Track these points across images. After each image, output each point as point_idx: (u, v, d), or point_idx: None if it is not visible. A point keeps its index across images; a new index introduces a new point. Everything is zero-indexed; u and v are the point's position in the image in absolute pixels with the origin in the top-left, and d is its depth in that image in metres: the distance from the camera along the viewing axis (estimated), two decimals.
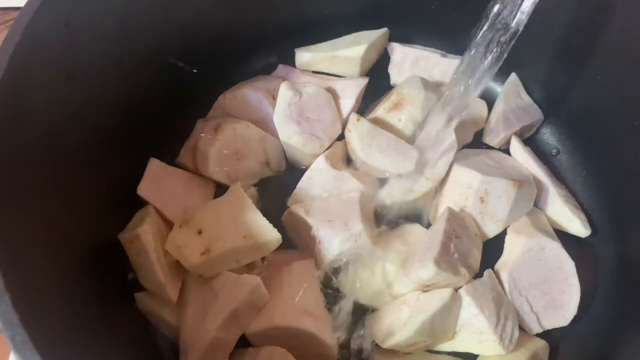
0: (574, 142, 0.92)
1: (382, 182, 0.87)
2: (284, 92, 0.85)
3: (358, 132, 0.85)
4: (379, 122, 0.88)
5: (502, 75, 0.95)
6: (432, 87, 0.91)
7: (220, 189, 0.84)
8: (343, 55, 0.92)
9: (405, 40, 0.97)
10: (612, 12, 0.75)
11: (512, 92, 0.93)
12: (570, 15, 0.81)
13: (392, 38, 0.97)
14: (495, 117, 0.91)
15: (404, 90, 0.88)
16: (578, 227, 0.84)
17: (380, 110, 0.88)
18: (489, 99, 0.94)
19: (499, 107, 0.92)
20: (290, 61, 0.97)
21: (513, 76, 0.95)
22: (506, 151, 0.91)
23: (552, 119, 0.93)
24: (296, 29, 0.94)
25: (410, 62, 0.95)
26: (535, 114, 0.92)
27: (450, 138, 0.84)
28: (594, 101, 0.86)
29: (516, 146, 0.89)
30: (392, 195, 0.83)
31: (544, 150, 0.94)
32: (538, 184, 0.86)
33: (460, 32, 0.91)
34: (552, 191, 0.85)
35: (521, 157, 0.88)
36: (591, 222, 0.86)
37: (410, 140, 0.86)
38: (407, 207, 0.86)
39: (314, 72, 0.96)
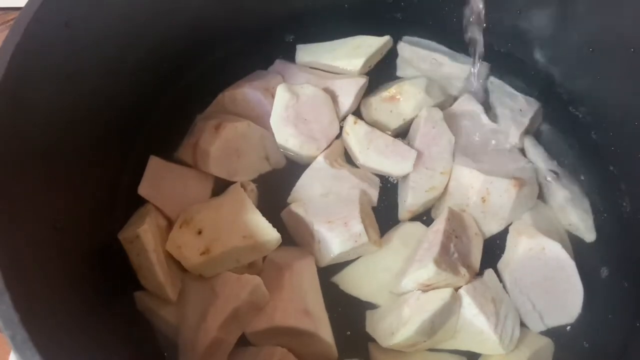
0: (579, 141, 0.92)
1: (382, 180, 0.87)
2: (281, 94, 0.84)
3: (355, 135, 0.85)
4: (371, 106, 0.90)
5: (483, 84, 0.95)
6: (435, 91, 0.91)
7: (219, 183, 0.84)
8: (341, 67, 0.92)
9: (409, 33, 0.97)
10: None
11: (501, 94, 0.94)
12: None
13: (396, 31, 0.97)
14: (502, 121, 0.90)
15: (404, 87, 0.89)
16: (582, 232, 0.84)
17: (377, 97, 0.90)
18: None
19: (498, 111, 0.92)
20: (289, 53, 0.96)
21: (493, 80, 0.95)
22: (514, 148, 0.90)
23: (557, 119, 0.94)
24: (296, 22, 0.94)
25: (418, 62, 0.95)
26: (533, 103, 0.93)
27: (446, 132, 0.85)
28: (600, 101, 0.86)
29: (529, 146, 0.89)
30: (419, 198, 0.83)
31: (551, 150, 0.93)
32: (546, 184, 0.86)
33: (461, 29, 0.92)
34: (560, 193, 0.85)
35: (533, 156, 0.88)
36: (597, 219, 0.86)
37: (393, 133, 0.88)
38: (430, 203, 0.86)
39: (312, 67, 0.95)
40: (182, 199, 0.80)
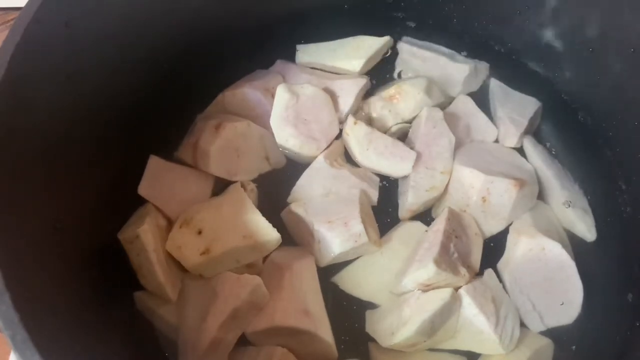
0: (578, 141, 0.92)
1: (382, 180, 0.87)
2: (281, 94, 0.84)
3: (355, 136, 0.85)
4: (370, 106, 0.90)
5: (482, 85, 0.96)
6: (435, 91, 0.91)
7: (219, 183, 0.84)
8: (342, 67, 0.92)
9: (409, 33, 0.98)
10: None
11: (500, 94, 0.94)
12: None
13: (396, 31, 0.97)
14: (502, 122, 0.91)
15: (404, 87, 0.89)
16: (583, 231, 0.85)
17: (377, 97, 0.90)
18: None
19: (498, 112, 0.92)
20: (289, 53, 0.96)
21: (492, 81, 0.95)
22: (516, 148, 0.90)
23: (556, 120, 0.94)
24: (296, 22, 0.94)
25: (418, 62, 0.95)
26: (533, 102, 0.93)
27: (446, 132, 0.85)
28: (599, 100, 0.86)
29: (529, 146, 0.89)
30: (419, 197, 0.83)
31: (551, 150, 0.93)
32: (546, 184, 0.86)
33: (467, 30, 0.92)
34: (560, 193, 0.85)
35: (532, 156, 0.88)
36: (597, 219, 0.86)
37: (390, 133, 0.88)
38: (430, 202, 0.86)
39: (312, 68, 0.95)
40: (182, 199, 0.80)
